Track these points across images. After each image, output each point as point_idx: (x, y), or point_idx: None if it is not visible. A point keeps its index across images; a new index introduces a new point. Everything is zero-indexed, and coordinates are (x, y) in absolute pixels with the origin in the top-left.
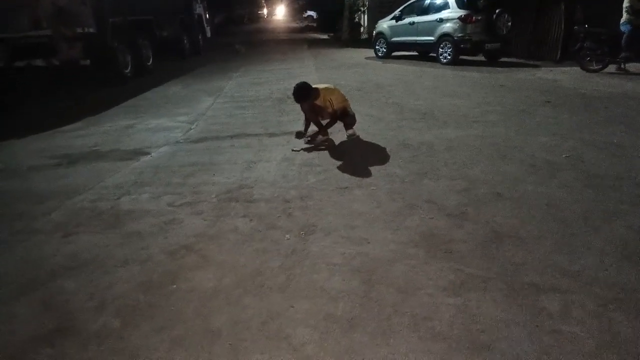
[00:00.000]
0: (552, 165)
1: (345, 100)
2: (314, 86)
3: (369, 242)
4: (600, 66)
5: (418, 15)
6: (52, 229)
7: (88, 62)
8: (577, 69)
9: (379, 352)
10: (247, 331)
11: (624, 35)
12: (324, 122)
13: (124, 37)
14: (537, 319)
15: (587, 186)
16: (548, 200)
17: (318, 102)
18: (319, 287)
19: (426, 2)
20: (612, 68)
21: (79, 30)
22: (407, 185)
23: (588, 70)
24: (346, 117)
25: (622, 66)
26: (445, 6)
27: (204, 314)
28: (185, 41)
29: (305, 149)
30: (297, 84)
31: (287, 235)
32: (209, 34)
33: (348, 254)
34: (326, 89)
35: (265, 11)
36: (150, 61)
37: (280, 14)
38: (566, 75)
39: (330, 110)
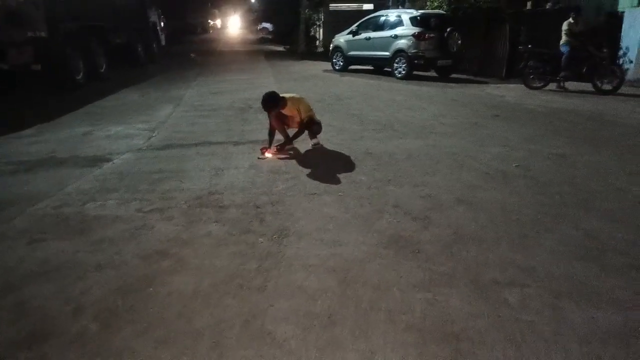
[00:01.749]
0: (504, 174)
1: (311, 109)
2: (281, 95)
3: (341, 245)
4: (543, 84)
5: (374, 31)
6: (16, 235)
7: (39, 67)
8: (521, 86)
9: (359, 345)
10: (229, 330)
11: (564, 56)
12: (290, 130)
13: (76, 42)
14: (499, 310)
15: (536, 192)
16: (503, 205)
17: (286, 110)
18: (297, 287)
19: (382, 19)
20: (552, 86)
21: (30, 34)
22: (373, 191)
23: (531, 88)
24: (313, 125)
25: (562, 84)
26: (399, 23)
27: (185, 315)
28: (139, 49)
29: (271, 158)
30: (266, 93)
31: (261, 239)
32: (163, 42)
33: (322, 255)
34: (293, 97)
35: (218, 22)
36: (104, 68)
37: (234, 25)
38: (512, 92)
39: (297, 119)
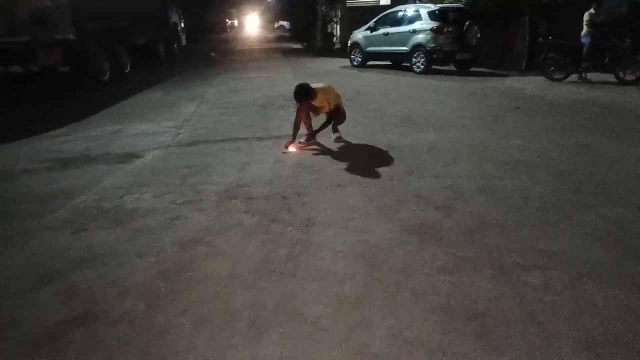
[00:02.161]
0: (525, 164)
1: (339, 97)
2: (312, 86)
3: (367, 232)
4: (563, 75)
5: (392, 26)
6: (60, 226)
7: (67, 68)
8: (542, 78)
9: (387, 322)
10: (265, 310)
11: (585, 47)
12: (318, 118)
13: (101, 43)
14: (522, 291)
15: (557, 181)
16: (524, 194)
17: (316, 102)
18: (326, 271)
19: (399, 14)
20: (574, 77)
21: (58, 36)
22: (396, 182)
23: (552, 79)
24: (339, 113)
25: (584, 75)
26: (417, 18)
27: (223, 297)
28: (161, 48)
29: (295, 151)
30: (298, 85)
31: (290, 228)
32: (184, 42)
33: (349, 242)
34: (323, 88)
35: (236, 21)
36: (128, 68)
37: (251, 23)
38: (532, 84)
39: (326, 109)
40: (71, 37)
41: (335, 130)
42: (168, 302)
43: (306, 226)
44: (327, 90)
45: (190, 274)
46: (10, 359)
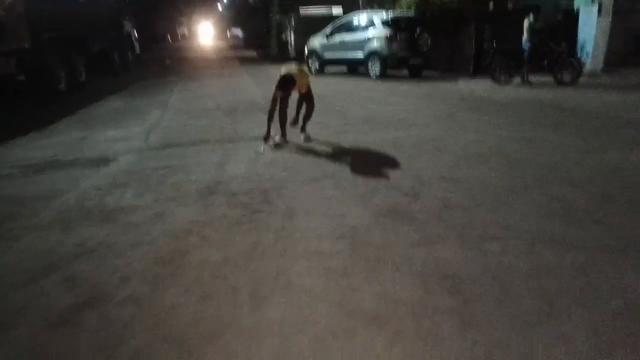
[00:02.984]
0: (480, 155)
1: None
2: (285, 73)
3: (345, 217)
4: (508, 78)
5: (347, 33)
6: (48, 226)
7: (23, 77)
8: (489, 81)
9: (373, 286)
10: (261, 285)
11: (526, 52)
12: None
13: (57, 52)
14: (484, 257)
15: (509, 169)
16: (480, 180)
17: (297, 86)
18: (313, 250)
19: (354, 22)
20: (517, 80)
21: (14, 45)
22: (365, 174)
23: (498, 82)
24: (311, 96)
25: (526, 78)
26: (371, 25)
27: (221, 277)
28: (116, 57)
29: (267, 152)
30: (283, 76)
31: (273, 217)
32: (137, 50)
33: (330, 226)
34: (298, 72)
35: (187, 30)
36: (83, 77)
37: (204, 32)
38: (480, 86)
39: (304, 89)
40: (26, 45)
41: (303, 129)
42: (169, 284)
43: (288, 215)
44: (301, 73)
45: (185, 259)
46: (28, 341)
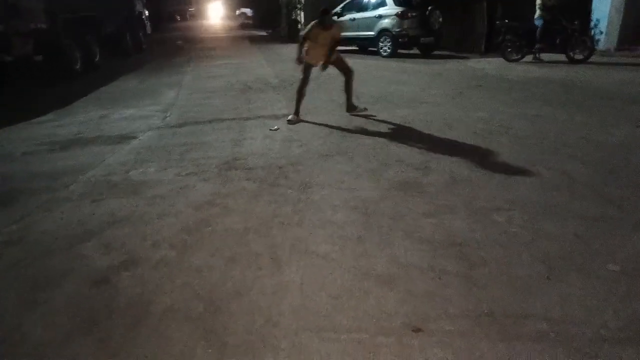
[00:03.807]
0: (489, 132)
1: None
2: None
3: (358, 190)
4: (519, 56)
5: (358, 11)
6: (78, 198)
7: (41, 57)
8: (500, 59)
9: (385, 252)
10: (281, 251)
11: (538, 29)
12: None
13: (73, 33)
14: (490, 226)
15: (516, 144)
16: (488, 156)
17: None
18: (328, 220)
19: (365, 0)
20: (529, 57)
21: (32, 25)
22: (378, 150)
23: (509, 60)
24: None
25: (537, 56)
26: (382, 4)
27: (243, 243)
28: (128, 38)
29: (282, 129)
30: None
31: (290, 190)
32: (149, 31)
33: (344, 198)
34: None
35: (195, 9)
36: (97, 57)
37: (213, 11)
38: (492, 65)
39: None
40: (44, 26)
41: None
42: (197, 249)
43: (304, 188)
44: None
45: (210, 228)
46: (73, 296)
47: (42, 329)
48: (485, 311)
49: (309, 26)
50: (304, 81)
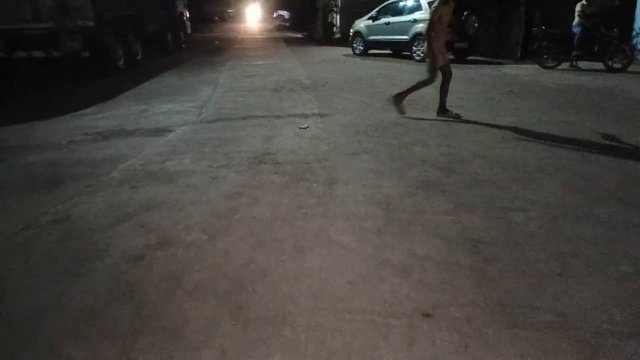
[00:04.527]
0: (517, 137)
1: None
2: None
3: (381, 187)
4: (556, 63)
5: (393, 16)
6: (118, 184)
7: (87, 54)
8: (536, 66)
9: (402, 245)
10: (304, 239)
11: (576, 36)
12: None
13: (117, 31)
14: (508, 225)
15: (543, 150)
16: (513, 158)
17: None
18: (350, 213)
19: (400, 4)
20: (565, 65)
21: (80, 23)
22: (403, 151)
23: (545, 67)
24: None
25: (575, 63)
26: (418, 8)
27: (269, 231)
28: (169, 37)
29: (310, 127)
30: None
31: (315, 184)
32: (189, 30)
33: (367, 194)
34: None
35: (233, 10)
36: (139, 55)
37: (250, 13)
38: (526, 71)
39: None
40: (91, 24)
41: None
42: (225, 234)
43: (329, 183)
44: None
45: (238, 216)
46: (113, 270)
47: (85, 295)
48: (495, 302)
49: (435, 4)
50: (444, 76)
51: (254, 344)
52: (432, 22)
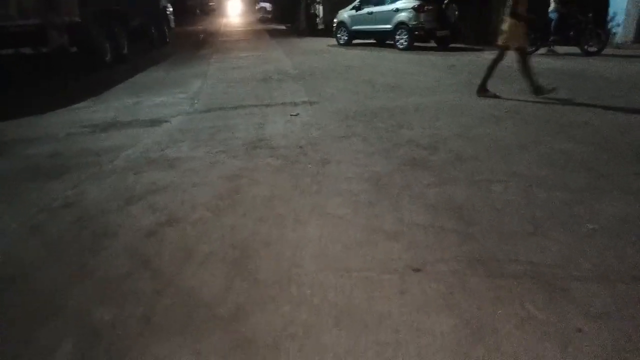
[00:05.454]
0: (496, 117)
1: None
2: None
3: (371, 166)
4: (534, 48)
5: (376, 5)
6: (122, 170)
7: (75, 49)
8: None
9: (393, 214)
10: (302, 213)
11: (553, 22)
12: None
13: (103, 25)
14: (487, 194)
15: (521, 128)
16: (494, 137)
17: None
18: (344, 189)
19: None
20: (543, 50)
21: (67, 18)
22: (390, 133)
23: None
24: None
25: (552, 48)
26: None
27: (269, 207)
28: (153, 30)
29: (300, 114)
30: None
31: (309, 165)
32: (173, 24)
33: (358, 172)
34: None
35: (215, 3)
36: (125, 49)
37: (232, 5)
38: (506, 57)
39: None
40: (77, 19)
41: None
42: (229, 211)
43: (322, 164)
44: None
45: (239, 195)
46: (128, 245)
47: (105, 267)
48: (476, 257)
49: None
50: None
51: (265, 300)
52: (516, 2)
